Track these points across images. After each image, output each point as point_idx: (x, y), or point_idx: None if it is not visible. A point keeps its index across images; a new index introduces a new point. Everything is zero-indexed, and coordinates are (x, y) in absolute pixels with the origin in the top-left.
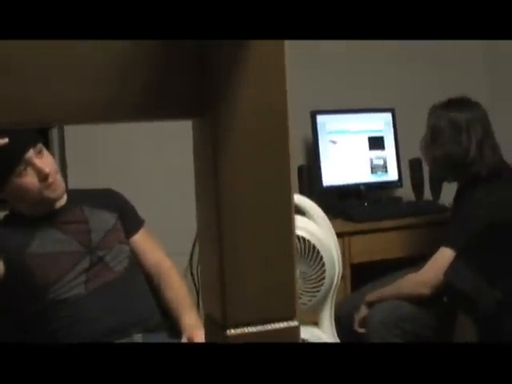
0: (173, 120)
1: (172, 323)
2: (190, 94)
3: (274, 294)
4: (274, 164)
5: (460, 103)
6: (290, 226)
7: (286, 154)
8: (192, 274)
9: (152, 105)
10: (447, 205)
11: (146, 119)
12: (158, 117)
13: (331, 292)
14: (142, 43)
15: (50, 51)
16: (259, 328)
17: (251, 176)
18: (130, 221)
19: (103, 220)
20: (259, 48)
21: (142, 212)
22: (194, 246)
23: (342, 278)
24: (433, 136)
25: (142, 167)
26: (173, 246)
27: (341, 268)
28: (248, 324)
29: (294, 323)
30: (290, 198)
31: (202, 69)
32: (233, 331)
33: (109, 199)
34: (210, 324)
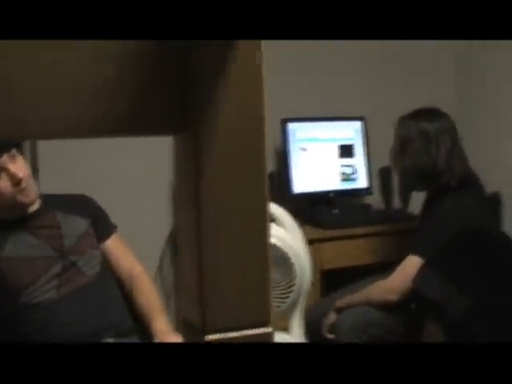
0: (161, 132)
1: (143, 328)
2: (175, 100)
3: (251, 301)
4: (251, 165)
5: (429, 114)
6: (265, 233)
7: (262, 155)
8: (161, 279)
9: (140, 118)
10: (416, 213)
11: (134, 134)
12: (146, 131)
13: (301, 298)
14: (128, 60)
15: (43, 70)
16: (236, 334)
17: (231, 176)
18: (102, 226)
19: (75, 225)
20: (239, 48)
21: (111, 217)
22: (163, 251)
23: (311, 284)
24: (402, 146)
25: (113, 173)
26: (142, 252)
27: (311, 274)
28: (226, 330)
29: (269, 329)
30: (265, 206)
31: (185, 73)
32: (211, 337)
33: (81, 205)
34: (188, 329)
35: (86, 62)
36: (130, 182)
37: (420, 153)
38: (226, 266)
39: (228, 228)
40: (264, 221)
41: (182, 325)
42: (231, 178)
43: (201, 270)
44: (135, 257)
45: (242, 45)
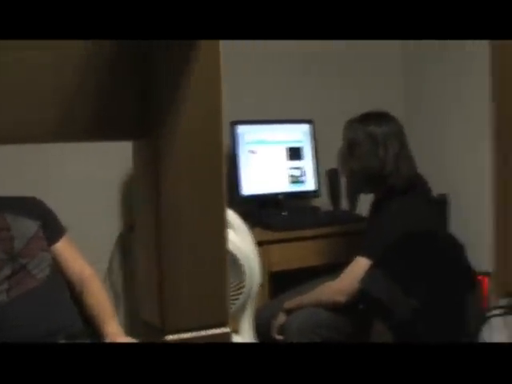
0: (121, 137)
1: (93, 330)
2: (136, 102)
3: (210, 301)
4: (210, 165)
5: (377, 117)
6: (223, 235)
7: (221, 155)
8: (111, 281)
9: (99, 122)
10: (363, 215)
11: (94, 139)
12: (106, 136)
13: (250, 300)
14: (88, 61)
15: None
16: (196, 334)
17: (190, 177)
18: (52, 229)
19: (25, 227)
20: (201, 48)
21: (61, 220)
22: (113, 253)
23: (260, 285)
24: (350, 149)
25: (62, 176)
26: (91, 254)
27: (260, 276)
28: (186, 330)
29: (227, 329)
30: (223, 207)
31: (147, 73)
32: (171, 337)
33: (31, 207)
34: (148, 329)
35: (46, 63)
36: (79, 184)
37: (368, 156)
38: (185, 268)
39: (187, 230)
40: (222, 222)
41: (141, 325)
42: (191, 179)
43: (161, 271)
44: (85, 259)
45: (203, 45)
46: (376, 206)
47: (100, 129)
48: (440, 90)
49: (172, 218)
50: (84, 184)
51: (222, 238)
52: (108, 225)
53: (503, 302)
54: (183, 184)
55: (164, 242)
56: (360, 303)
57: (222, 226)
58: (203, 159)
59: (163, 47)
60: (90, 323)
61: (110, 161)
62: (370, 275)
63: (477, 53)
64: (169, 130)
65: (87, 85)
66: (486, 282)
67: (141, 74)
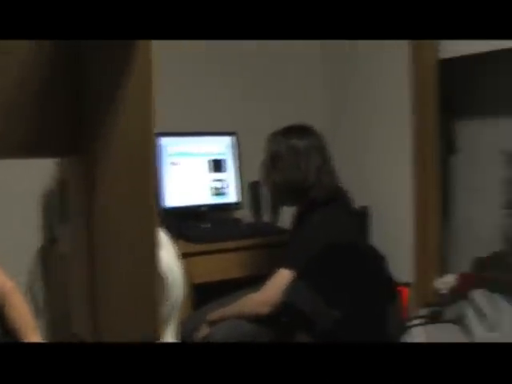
0: (54, 152)
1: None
2: (71, 109)
3: (142, 317)
4: (143, 166)
5: (299, 131)
6: (155, 250)
7: (152, 157)
8: (32, 295)
9: (32, 138)
10: (285, 227)
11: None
12: (38, 152)
13: (174, 312)
14: (22, 80)
15: None
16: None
17: (127, 179)
18: None
19: None
20: (137, 48)
21: None
22: (33, 266)
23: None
24: (273, 161)
25: None
26: (11, 267)
27: (184, 289)
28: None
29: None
30: (155, 217)
31: (83, 74)
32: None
33: None
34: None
35: None
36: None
37: (290, 168)
38: (117, 286)
39: (121, 241)
40: (154, 237)
41: (74, 341)
42: (128, 180)
43: (93, 288)
44: (5, 273)
45: (140, 45)
46: (298, 218)
47: (36, 142)
48: (362, 99)
49: (105, 227)
50: (3, 197)
51: (153, 254)
52: (28, 238)
53: (423, 311)
54: (119, 186)
55: (97, 259)
56: (283, 315)
57: (153, 241)
58: (139, 160)
59: (100, 47)
60: (12, 336)
61: (30, 173)
62: (293, 287)
63: (395, 55)
64: (106, 130)
65: (25, 89)
66: (406, 293)
67: (78, 75)
